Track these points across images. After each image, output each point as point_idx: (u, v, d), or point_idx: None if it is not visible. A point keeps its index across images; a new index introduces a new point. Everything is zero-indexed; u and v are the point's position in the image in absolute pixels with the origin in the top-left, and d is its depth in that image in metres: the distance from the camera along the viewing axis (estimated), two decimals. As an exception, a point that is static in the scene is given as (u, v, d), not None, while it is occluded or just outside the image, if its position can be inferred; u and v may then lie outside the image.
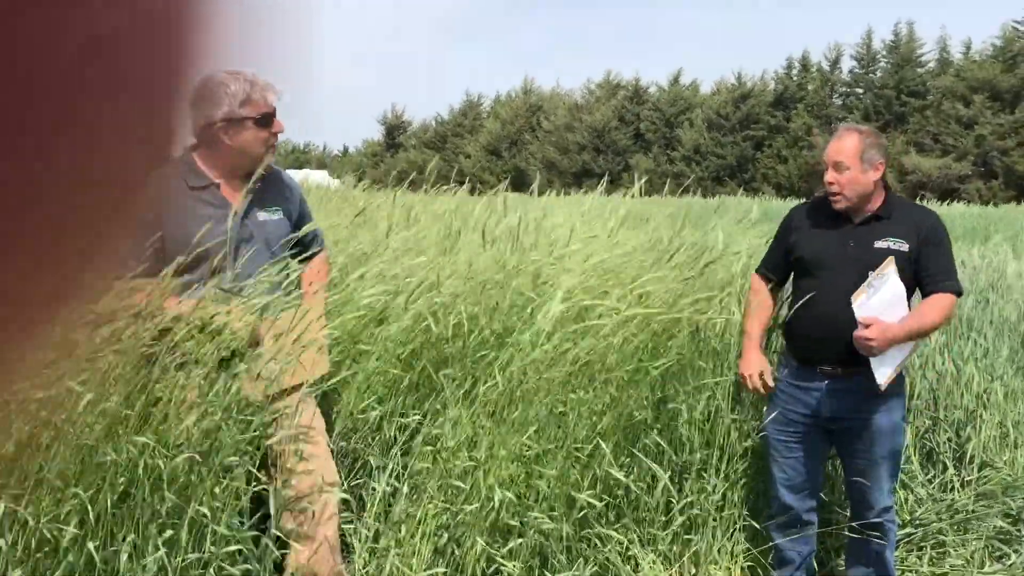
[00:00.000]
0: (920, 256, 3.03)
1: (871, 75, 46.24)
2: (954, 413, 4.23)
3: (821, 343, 3.10)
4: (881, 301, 2.99)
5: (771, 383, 3.25)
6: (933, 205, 26.97)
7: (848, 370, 3.08)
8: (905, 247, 3.03)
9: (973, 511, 3.79)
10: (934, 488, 3.97)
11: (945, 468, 4.05)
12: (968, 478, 4.01)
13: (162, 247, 2.63)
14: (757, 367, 3.25)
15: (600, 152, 48.86)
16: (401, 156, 55.97)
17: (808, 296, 3.12)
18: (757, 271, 3.40)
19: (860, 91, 46.48)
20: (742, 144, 46.05)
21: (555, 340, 3.07)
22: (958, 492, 3.93)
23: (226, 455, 2.51)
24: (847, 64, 47.68)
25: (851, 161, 3.03)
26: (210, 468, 2.48)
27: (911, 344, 3.08)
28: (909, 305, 3.07)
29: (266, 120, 2.75)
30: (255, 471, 2.63)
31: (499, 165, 50.28)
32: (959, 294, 3.08)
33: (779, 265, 3.32)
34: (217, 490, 2.50)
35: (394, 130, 60.50)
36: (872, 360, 3.00)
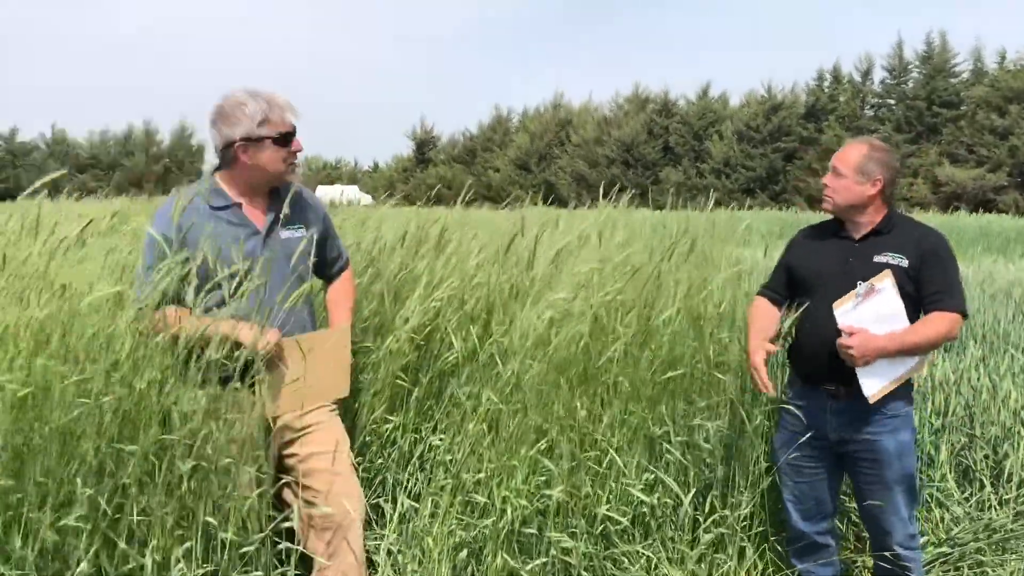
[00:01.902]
0: (921, 274, 2.99)
1: (903, 86, 45.74)
2: (991, 430, 4.13)
3: (821, 359, 3.05)
4: (872, 314, 2.95)
5: (773, 348, 3.17)
6: (963, 215, 26.65)
7: (851, 389, 3.02)
8: (904, 262, 3.00)
9: (1012, 530, 3.68)
10: (971, 507, 3.87)
11: (982, 486, 3.95)
12: (1006, 496, 3.90)
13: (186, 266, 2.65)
14: (760, 355, 3.14)
15: (629, 166, 48.74)
16: (431, 171, 56.24)
17: (808, 311, 3.10)
18: (759, 291, 3.38)
19: (892, 102, 45.97)
20: (772, 156, 45.70)
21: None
22: (996, 511, 3.83)
23: (222, 457, 2.49)
24: (878, 75, 47.16)
25: (847, 170, 3.07)
26: (209, 470, 2.47)
27: (911, 360, 3.00)
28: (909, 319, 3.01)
29: (285, 139, 2.77)
30: (259, 474, 2.61)
31: (528, 179, 50.31)
32: (963, 314, 3.00)
33: (781, 284, 3.30)
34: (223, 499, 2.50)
35: (424, 145, 60.80)
36: (858, 371, 2.95)
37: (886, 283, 2.95)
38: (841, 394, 3.05)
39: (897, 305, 2.95)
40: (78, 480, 2.28)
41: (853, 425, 3.05)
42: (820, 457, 3.15)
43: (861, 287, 2.96)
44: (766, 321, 3.25)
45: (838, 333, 2.96)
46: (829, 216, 3.22)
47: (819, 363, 3.05)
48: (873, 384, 2.96)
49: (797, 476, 3.19)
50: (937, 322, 2.96)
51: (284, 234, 2.81)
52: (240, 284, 2.56)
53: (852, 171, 3.06)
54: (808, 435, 3.12)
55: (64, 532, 2.27)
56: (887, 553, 3.11)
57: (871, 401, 2.96)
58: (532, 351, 3.05)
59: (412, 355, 3.25)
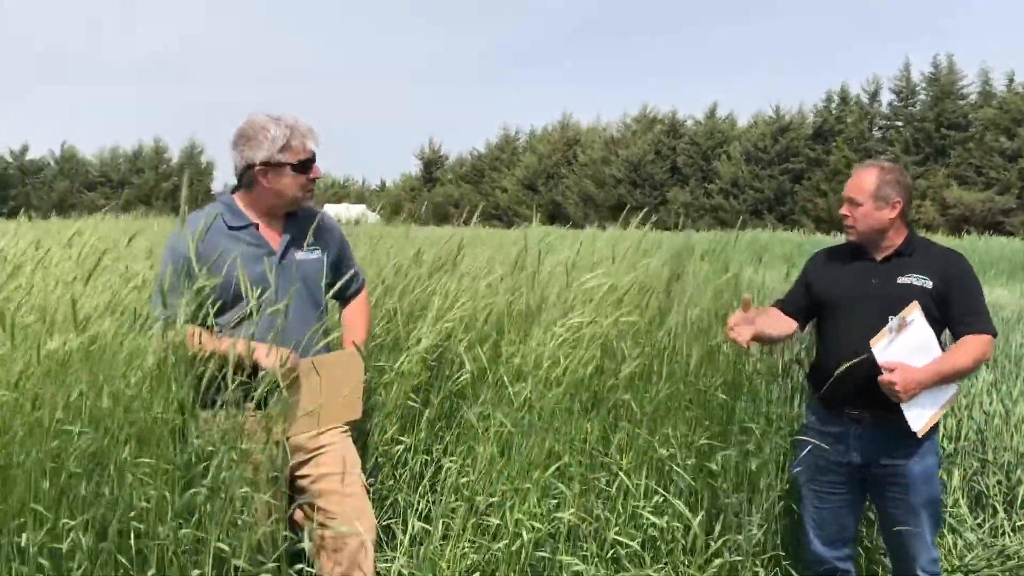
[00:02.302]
0: (948, 297, 2.99)
1: (910, 108, 45.80)
2: (1003, 455, 4.11)
3: (846, 383, 3.00)
4: (906, 347, 2.93)
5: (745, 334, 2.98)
6: (973, 236, 26.56)
7: (876, 413, 3.00)
8: (929, 284, 2.99)
9: (1026, 557, 3.65)
10: (984, 533, 3.84)
11: (995, 512, 3.92)
12: (1019, 523, 3.87)
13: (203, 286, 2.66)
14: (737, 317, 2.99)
15: (637, 186, 48.82)
16: (438, 190, 56.42)
17: (830, 334, 3.09)
18: (773, 303, 3.34)
19: (900, 124, 46.01)
20: (780, 177, 45.75)
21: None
22: (1009, 537, 3.80)
23: (237, 488, 2.49)
24: (886, 97, 47.29)
25: (864, 198, 3.06)
26: (223, 500, 2.47)
27: (951, 388, 2.99)
28: (942, 346, 3.00)
29: (304, 166, 2.80)
30: (270, 499, 2.60)
31: (535, 199, 50.44)
32: (994, 334, 3.00)
33: (797, 302, 3.26)
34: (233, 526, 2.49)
35: (431, 164, 61.06)
36: (903, 405, 2.93)
37: (915, 314, 2.94)
38: (865, 418, 3.03)
39: (928, 334, 2.94)
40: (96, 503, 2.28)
41: (878, 450, 3.03)
42: (843, 482, 3.12)
43: (892, 322, 2.93)
44: (771, 316, 3.18)
45: (863, 357, 2.93)
46: (844, 239, 3.22)
47: (843, 388, 3.01)
48: (919, 417, 2.94)
49: (819, 501, 3.17)
50: (971, 346, 2.95)
51: (300, 255, 2.83)
52: (256, 305, 2.56)
53: (869, 198, 3.04)
54: (831, 460, 3.11)
55: (72, 554, 2.27)
56: (915, 574, 3.07)
57: (919, 435, 2.94)
58: (545, 374, 3.05)
59: (423, 376, 3.26)
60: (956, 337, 3.01)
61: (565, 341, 3.10)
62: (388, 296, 3.46)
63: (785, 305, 3.28)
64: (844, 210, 3.12)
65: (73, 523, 2.24)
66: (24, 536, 2.23)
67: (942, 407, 2.98)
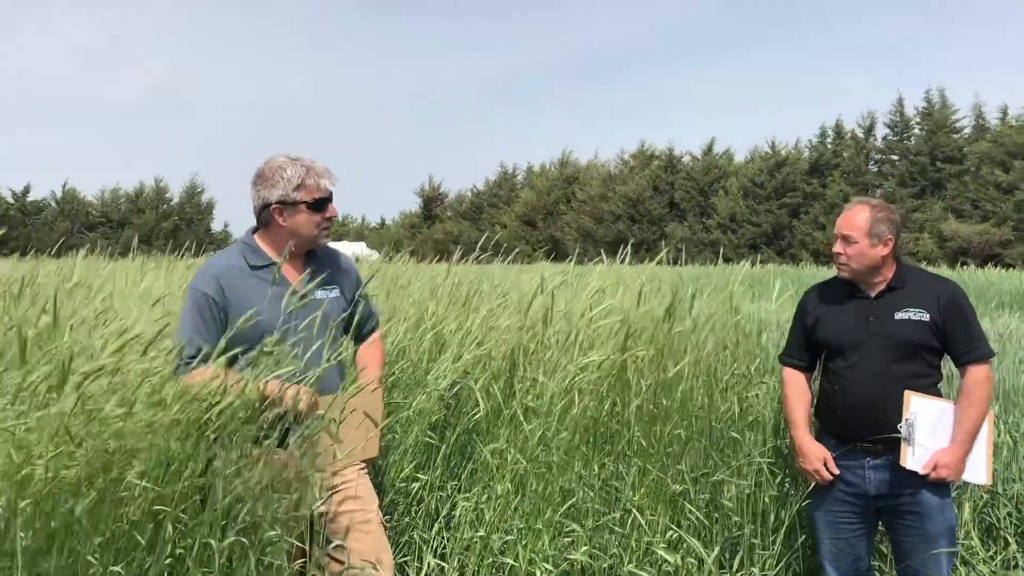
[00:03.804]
0: (946, 328, 3.04)
1: (905, 142, 46.12)
2: (1013, 487, 4.10)
3: (858, 423, 3.06)
4: (927, 437, 2.99)
5: (835, 470, 3.15)
6: (971, 269, 26.60)
7: (889, 445, 3.04)
8: (926, 316, 3.04)
9: (1039, 590, 3.63)
10: (996, 565, 3.83)
11: (1007, 544, 3.91)
12: (1032, 555, 3.86)
13: (226, 325, 2.69)
14: (819, 455, 3.16)
15: (635, 221, 48.99)
16: (438, 227, 56.59)
17: (837, 374, 3.13)
18: (783, 361, 3.36)
19: (895, 158, 46.31)
20: (777, 212, 45.93)
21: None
22: (1022, 569, 3.78)
23: (266, 531, 2.49)
24: (880, 131, 47.60)
25: (859, 235, 3.09)
26: (252, 544, 2.47)
27: (984, 430, 3.06)
28: (940, 366, 3.08)
29: (319, 205, 2.85)
30: (294, 542, 2.60)
31: (534, 235, 50.58)
32: (992, 356, 3.09)
33: (804, 348, 3.30)
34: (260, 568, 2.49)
35: (431, 202, 61.29)
36: (964, 478, 3.03)
37: (914, 403, 3.00)
38: (879, 450, 3.06)
39: (936, 407, 3.01)
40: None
41: (894, 480, 3.05)
42: (858, 513, 3.14)
43: (902, 429, 2.99)
44: (805, 400, 3.25)
45: (870, 395, 2.99)
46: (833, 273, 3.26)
47: (853, 424, 3.04)
48: (979, 471, 3.03)
49: (835, 533, 3.17)
50: (976, 386, 3.02)
51: (319, 295, 2.87)
52: (276, 343, 2.59)
53: (863, 235, 3.08)
54: (846, 492, 3.11)
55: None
56: None
57: (989, 484, 3.08)
58: (560, 413, 3.07)
59: (440, 413, 3.28)
60: (958, 364, 3.08)
61: (578, 378, 3.12)
62: (408, 334, 3.49)
63: (797, 360, 3.30)
64: (837, 247, 3.14)
65: (120, 571, 2.24)
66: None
67: (986, 447, 3.05)
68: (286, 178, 2.81)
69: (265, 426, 2.51)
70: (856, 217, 3.11)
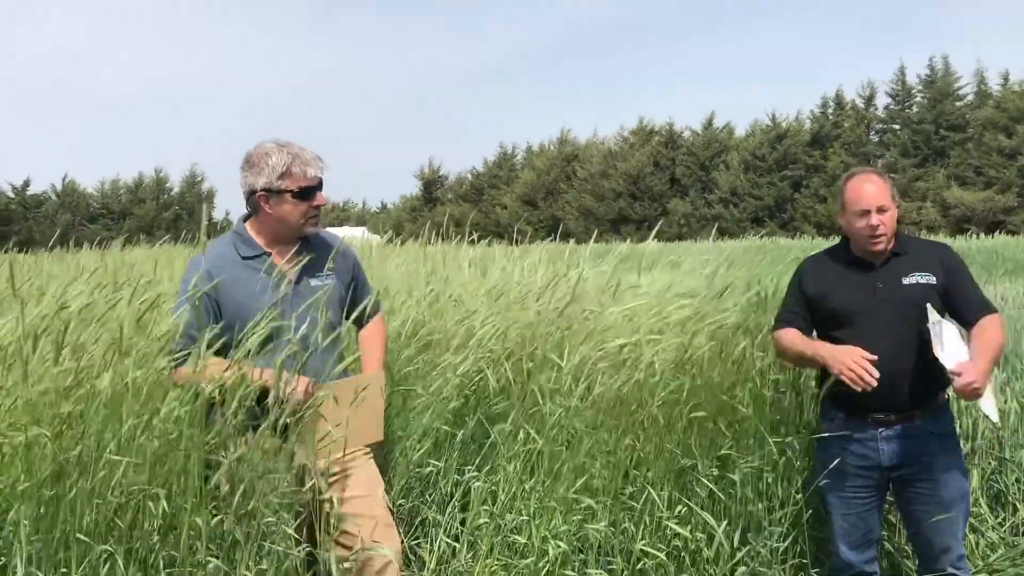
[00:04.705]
0: (951, 289, 3.07)
1: (907, 111, 45.91)
2: (1021, 452, 4.10)
3: (871, 392, 3.00)
4: (951, 345, 2.94)
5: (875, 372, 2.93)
6: (974, 241, 26.56)
7: (902, 413, 3.03)
8: (933, 279, 3.06)
9: (1050, 555, 3.64)
10: (1005, 531, 3.84)
11: (1015, 510, 3.92)
12: (1041, 520, 3.87)
13: (219, 316, 2.68)
14: (852, 350, 2.94)
15: (636, 198, 48.90)
16: (439, 210, 56.55)
17: (845, 343, 3.03)
18: (781, 325, 3.23)
19: (897, 127, 46.10)
20: (779, 184, 45.81)
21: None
22: (1032, 535, 3.80)
23: (264, 518, 2.51)
24: (882, 101, 47.36)
25: (889, 203, 3.08)
26: (252, 530, 2.49)
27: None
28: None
29: (305, 194, 2.80)
30: (294, 533, 2.62)
31: (535, 215, 50.51)
32: (995, 311, 3.11)
33: (804, 316, 3.19)
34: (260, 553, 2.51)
35: (431, 185, 61.19)
36: (981, 403, 2.97)
37: (934, 315, 2.97)
38: (892, 420, 3.05)
39: (955, 329, 2.99)
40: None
41: (907, 448, 3.04)
42: (871, 487, 3.13)
43: (932, 328, 2.93)
44: (807, 337, 3.17)
45: (882, 362, 2.91)
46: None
47: (865, 395, 3.01)
48: (992, 407, 3.00)
49: (846, 508, 3.16)
50: (992, 325, 3.01)
51: (314, 282, 2.84)
52: (272, 333, 2.58)
53: (891, 201, 3.07)
54: (857, 466, 3.11)
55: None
56: (945, 572, 3.07)
57: (998, 423, 3.03)
58: (583, 395, 3.07)
59: (459, 401, 3.27)
60: (968, 324, 3.05)
61: (600, 360, 3.11)
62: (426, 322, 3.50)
63: (796, 324, 3.20)
64: (875, 220, 3.04)
65: (112, 549, 2.26)
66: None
67: (993, 389, 3.08)
68: (271, 165, 2.76)
69: (260, 414, 2.51)
70: (882, 186, 3.09)
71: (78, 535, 2.27)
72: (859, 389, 2.89)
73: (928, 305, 2.98)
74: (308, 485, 2.64)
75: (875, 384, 2.87)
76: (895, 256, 3.11)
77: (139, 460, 2.36)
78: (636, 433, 3.19)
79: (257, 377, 2.53)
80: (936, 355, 2.90)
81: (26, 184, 54.35)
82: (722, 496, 3.26)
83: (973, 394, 2.86)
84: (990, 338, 2.97)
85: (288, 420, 2.55)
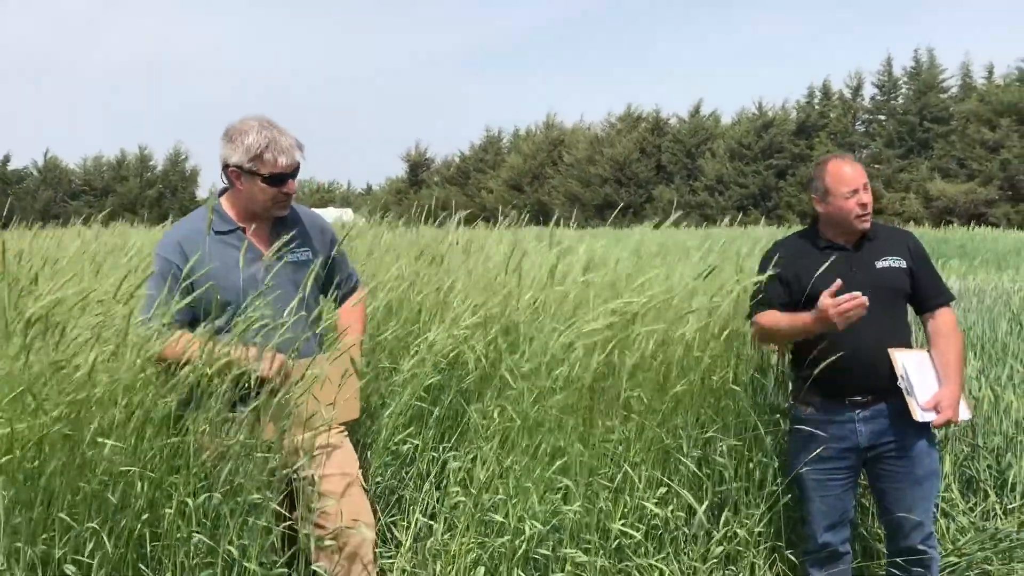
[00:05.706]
0: (917, 273, 3.20)
1: (892, 102, 46.06)
2: (993, 439, 4.18)
3: (850, 375, 3.07)
4: (922, 384, 3.08)
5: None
6: (958, 229, 26.77)
7: (878, 395, 3.12)
8: (903, 263, 3.18)
9: (1018, 539, 3.71)
10: (976, 516, 3.91)
11: (986, 496, 3.99)
12: (1011, 505, 3.94)
13: (190, 289, 2.68)
14: (827, 300, 2.91)
15: (622, 184, 48.88)
16: (424, 192, 56.32)
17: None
18: (760, 309, 3.20)
19: (882, 118, 46.26)
20: (765, 173, 45.90)
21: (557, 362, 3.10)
22: (1001, 520, 3.87)
23: (249, 493, 2.52)
24: (869, 91, 47.47)
25: (868, 182, 3.19)
26: (236, 507, 2.50)
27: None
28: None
29: (275, 180, 2.78)
30: (280, 509, 2.64)
31: (521, 199, 50.42)
32: (953, 299, 3.30)
33: (782, 300, 3.19)
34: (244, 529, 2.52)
35: (417, 167, 60.94)
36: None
37: (899, 358, 3.09)
38: (868, 401, 3.12)
39: (914, 357, 3.13)
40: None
41: (883, 428, 3.13)
42: (847, 468, 3.19)
43: (903, 385, 3.06)
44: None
45: (860, 346, 3.01)
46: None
47: (844, 379, 3.06)
48: (965, 409, 3.16)
49: (823, 490, 3.21)
50: (950, 326, 3.19)
51: (290, 258, 2.81)
52: (245, 309, 2.58)
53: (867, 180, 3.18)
54: (835, 448, 3.16)
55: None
56: (915, 548, 3.15)
57: (971, 417, 3.32)
58: (556, 376, 3.09)
59: (435, 378, 3.28)
60: (925, 309, 3.22)
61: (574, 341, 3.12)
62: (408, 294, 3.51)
63: (774, 306, 3.19)
64: (865, 199, 3.13)
65: (96, 527, 2.27)
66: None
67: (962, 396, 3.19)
68: (246, 144, 2.73)
69: (236, 389, 2.51)
70: (858, 166, 3.19)
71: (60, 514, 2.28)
72: (857, 318, 2.90)
73: (896, 356, 3.07)
74: (283, 463, 2.64)
75: (868, 303, 2.89)
76: (867, 241, 3.19)
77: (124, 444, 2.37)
78: (615, 414, 3.21)
79: (240, 356, 2.53)
80: (916, 418, 3.05)
81: (6, 159, 53.81)
82: (701, 475, 3.30)
83: (951, 421, 3.07)
84: (951, 358, 3.11)
85: (263, 397, 2.56)
